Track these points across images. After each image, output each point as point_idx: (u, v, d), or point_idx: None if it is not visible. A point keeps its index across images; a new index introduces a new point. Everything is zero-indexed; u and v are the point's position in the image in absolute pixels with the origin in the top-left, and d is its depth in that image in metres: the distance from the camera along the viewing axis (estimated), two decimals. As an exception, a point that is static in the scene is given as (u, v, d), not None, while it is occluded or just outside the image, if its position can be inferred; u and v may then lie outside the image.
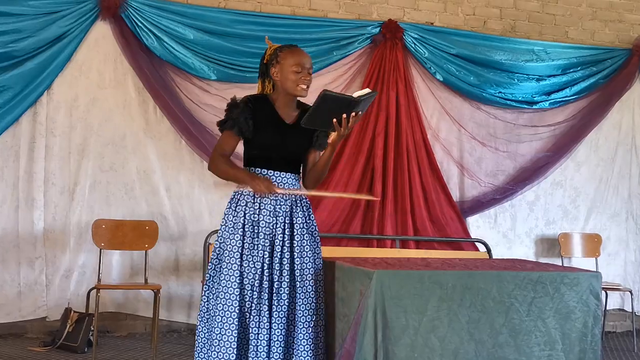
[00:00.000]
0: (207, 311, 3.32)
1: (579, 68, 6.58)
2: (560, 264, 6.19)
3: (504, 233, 6.51)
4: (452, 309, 3.19)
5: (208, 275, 3.34)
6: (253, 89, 3.53)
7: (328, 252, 5.38)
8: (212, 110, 5.59)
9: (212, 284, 3.32)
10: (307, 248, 3.33)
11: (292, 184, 3.37)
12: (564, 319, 3.32)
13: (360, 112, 3.15)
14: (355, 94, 3.10)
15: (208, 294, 3.33)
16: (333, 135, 3.25)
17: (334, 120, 3.13)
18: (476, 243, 6.23)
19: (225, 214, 3.35)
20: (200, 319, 3.33)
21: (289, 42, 5.77)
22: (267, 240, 3.28)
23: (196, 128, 5.63)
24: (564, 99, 6.58)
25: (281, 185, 3.33)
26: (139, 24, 5.55)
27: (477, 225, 6.43)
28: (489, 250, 6.06)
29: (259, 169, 3.33)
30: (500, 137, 6.46)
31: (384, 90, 6.04)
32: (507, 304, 3.26)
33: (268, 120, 3.33)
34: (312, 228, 3.40)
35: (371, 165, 6.00)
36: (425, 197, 6.10)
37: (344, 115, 3.12)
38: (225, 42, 5.72)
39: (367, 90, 3.14)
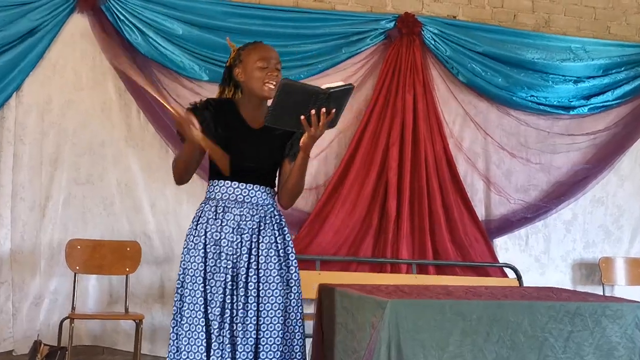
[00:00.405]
0: (177, 351, 3.26)
1: (622, 68, 6.59)
2: (602, 293, 6.19)
3: (537, 257, 6.51)
4: (477, 344, 3.19)
5: (175, 308, 3.30)
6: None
7: (334, 277, 5.43)
8: (203, 115, 5.60)
9: (179, 318, 3.27)
10: (274, 272, 3.28)
11: (264, 198, 3.34)
12: (606, 357, 3.32)
13: (334, 110, 3.05)
14: (324, 86, 3.01)
15: (177, 330, 3.28)
16: (304, 137, 3.16)
17: (302, 117, 3.03)
18: (504, 268, 6.23)
19: (186, 235, 3.34)
20: None
21: (291, 38, 5.92)
22: (229, 262, 3.24)
23: (185, 136, 5.64)
24: (605, 103, 6.58)
25: (251, 198, 3.30)
26: (121, 17, 5.58)
27: (506, 247, 6.43)
28: (519, 277, 6.06)
29: (224, 181, 3.31)
30: (533, 147, 6.47)
31: (399, 94, 6.06)
32: (541, 339, 3.26)
33: (232, 125, 3.32)
34: (286, 249, 3.36)
35: (384, 179, 6.01)
36: (447, 216, 6.10)
37: (313, 111, 3.02)
38: (219, 37, 5.73)
39: (339, 83, 3.05)
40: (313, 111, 3.02)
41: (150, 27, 5.64)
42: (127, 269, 5.51)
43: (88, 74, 5.65)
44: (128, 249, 5.54)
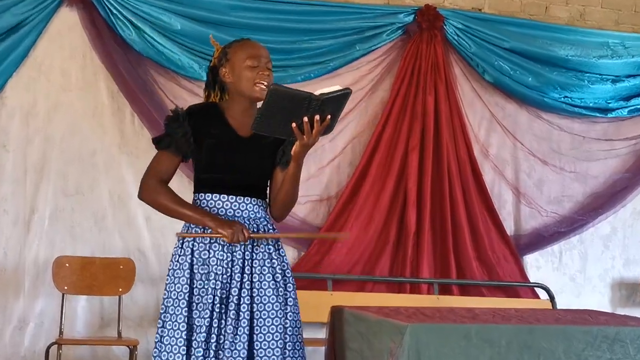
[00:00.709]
0: None
1: (666, 66, 6.61)
2: (644, 315, 6.18)
3: (572, 276, 6.51)
4: (507, 373, 3.19)
5: (157, 335, 3.27)
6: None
7: (348, 299, 5.43)
8: (203, 119, 5.63)
9: (160, 347, 3.24)
10: (269, 292, 3.27)
11: (255, 211, 3.33)
12: (649, 387, 3.32)
13: (329, 116, 3.04)
14: (317, 92, 3.00)
15: None
16: (295, 146, 3.16)
17: (294, 125, 3.02)
18: (536, 289, 6.23)
19: (172, 254, 3.34)
20: None
21: (300, 33, 5.94)
22: (218, 282, 3.21)
23: (183, 142, 5.66)
24: (647, 105, 6.60)
25: (241, 212, 3.30)
26: (114, 10, 5.60)
27: (537, 265, 6.44)
28: (552, 298, 6.06)
29: (212, 195, 3.30)
30: (567, 153, 6.48)
31: (419, 94, 6.08)
32: (577, 367, 3.26)
33: (218, 134, 3.31)
34: (283, 266, 3.34)
35: (403, 189, 6.02)
36: (472, 230, 6.11)
37: (305, 119, 3.01)
38: (221, 33, 5.73)
39: (335, 87, 3.03)
40: (306, 119, 3.02)
41: (146, 22, 5.66)
42: (120, 289, 5.52)
43: (77, 74, 5.67)
44: (121, 267, 5.55)
